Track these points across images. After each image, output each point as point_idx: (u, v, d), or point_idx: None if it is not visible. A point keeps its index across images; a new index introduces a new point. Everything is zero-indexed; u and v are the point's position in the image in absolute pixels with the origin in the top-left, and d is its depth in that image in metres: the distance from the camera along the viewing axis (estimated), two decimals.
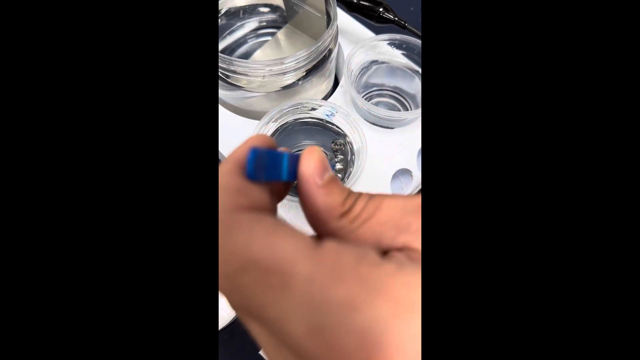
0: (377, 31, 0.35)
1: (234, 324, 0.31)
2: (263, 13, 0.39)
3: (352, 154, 0.31)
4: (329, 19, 0.32)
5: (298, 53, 0.29)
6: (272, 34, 0.38)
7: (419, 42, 0.32)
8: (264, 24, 0.39)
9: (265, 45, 0.38)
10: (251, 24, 0.39)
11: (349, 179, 0.28)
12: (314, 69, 0.32)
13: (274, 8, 0.38)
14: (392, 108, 0.36)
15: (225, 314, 0.30)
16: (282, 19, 0.39)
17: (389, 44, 0.34)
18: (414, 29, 0.31)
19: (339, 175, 0.32)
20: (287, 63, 0.29)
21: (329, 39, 0.30)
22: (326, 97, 0.37)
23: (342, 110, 0.30)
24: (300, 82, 0.32)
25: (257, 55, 0.37)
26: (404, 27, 0.31)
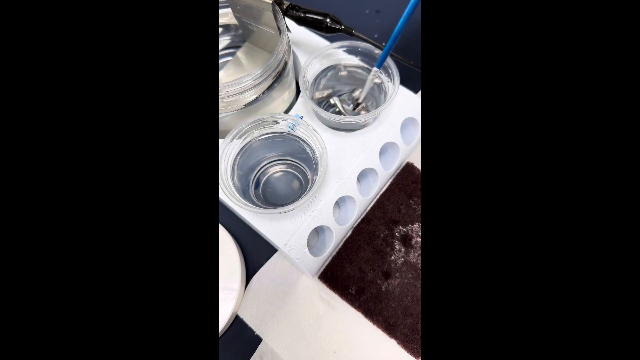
0: (332, 40, 0.37)
1: (234, 328, 0.32)
2: (221, 34, 0.40)
3: (315, 160, 0.32)
4: (281, 34, 0.33)
5: (253, 72, 0.31)
6: (233, 54, 0.40)
7: (369, 46, 0.34)
8: (226, 43, 0.41)
9: (228, 65, 0.39)
10: None
11: (314, 184, 0.30)
12: (275, 82, 0.34)
13: (229, 28, 0.40)
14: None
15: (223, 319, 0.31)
16: (240, 38, 0.40)
17: (344, 50, 0.36)
18: (361, 35, 0.33)
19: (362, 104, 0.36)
20: (245, 82, 0.31)
21: (281, 53, 0.32)
22: (291, 106, 0.38)
23: (302, 121, 0.32)
24: (263, 97, 0.34)
25: (221, 75, 0.39)
26: (351, 35, 0.33)
